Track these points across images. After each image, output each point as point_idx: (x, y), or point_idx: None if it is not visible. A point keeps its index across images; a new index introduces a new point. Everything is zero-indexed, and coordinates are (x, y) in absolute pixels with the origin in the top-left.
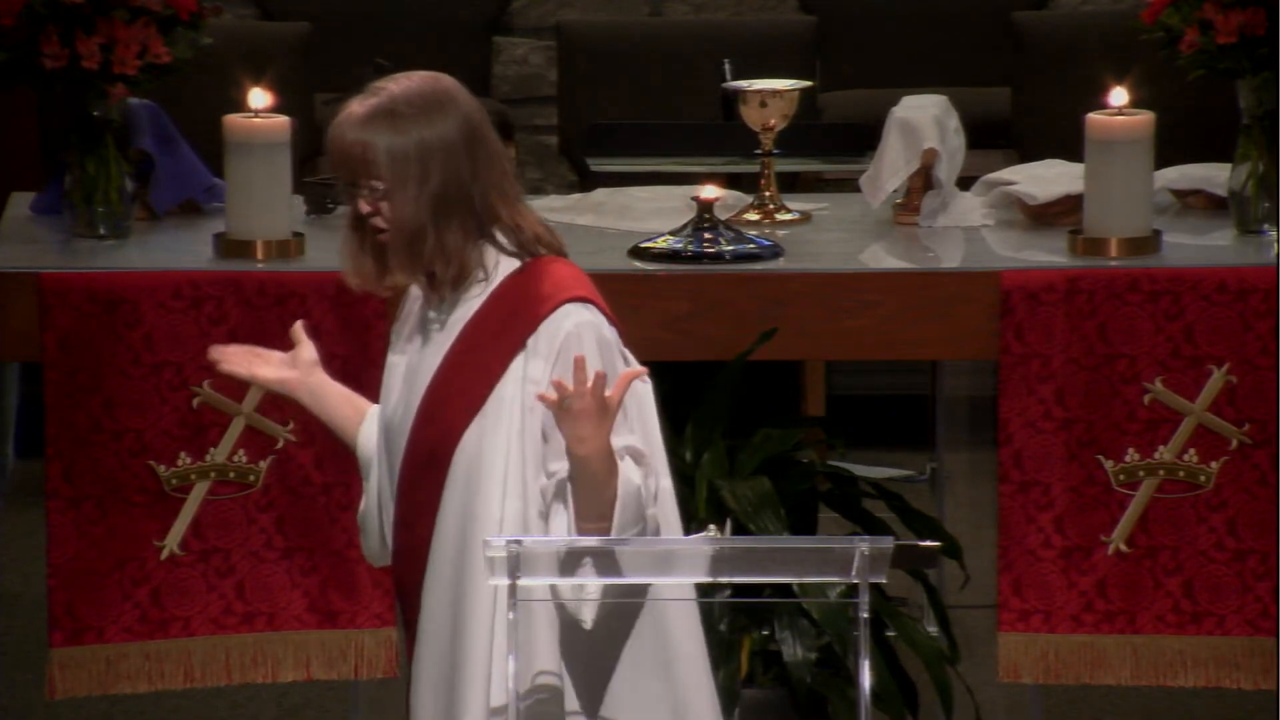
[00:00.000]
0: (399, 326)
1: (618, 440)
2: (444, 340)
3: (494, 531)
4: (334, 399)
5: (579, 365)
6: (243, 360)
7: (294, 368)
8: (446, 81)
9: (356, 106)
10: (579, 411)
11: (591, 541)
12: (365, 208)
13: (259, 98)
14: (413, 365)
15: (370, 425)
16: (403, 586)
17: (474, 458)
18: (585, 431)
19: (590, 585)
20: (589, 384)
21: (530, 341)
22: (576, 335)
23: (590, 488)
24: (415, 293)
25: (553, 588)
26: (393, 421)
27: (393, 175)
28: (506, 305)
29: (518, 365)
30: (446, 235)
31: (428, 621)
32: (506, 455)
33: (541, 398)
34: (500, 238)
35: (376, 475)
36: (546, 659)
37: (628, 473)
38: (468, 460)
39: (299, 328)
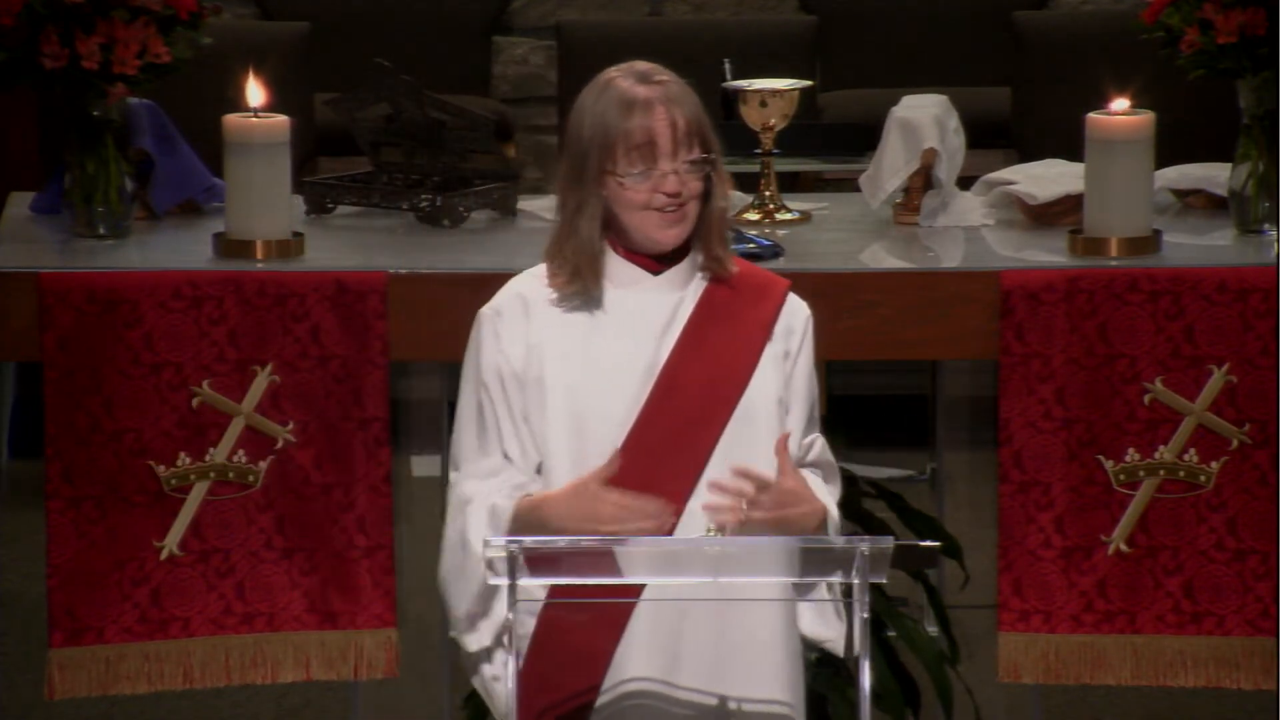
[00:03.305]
0: (526, 321)
1: (813, 452)
2: (655, 325)
3: None
4: None
5: (749, 474)
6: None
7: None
8: None
9: (673, 85)
10: (779, 499)
11: (591, 541)
12: (674, 186)
13: (255, 92)
14: (618, 355)
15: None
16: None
17: (742, 439)
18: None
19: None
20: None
21: (777, 328)
22: (809, 318)
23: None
24: (519, 290)
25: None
26: (588, 411)
27: (716, 148)
28: (728, 290)
29: (771, 350)
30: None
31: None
32: (773, 437)
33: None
34: None
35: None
36: (788, 690)
37: (829, 505)
38: (734, 440)
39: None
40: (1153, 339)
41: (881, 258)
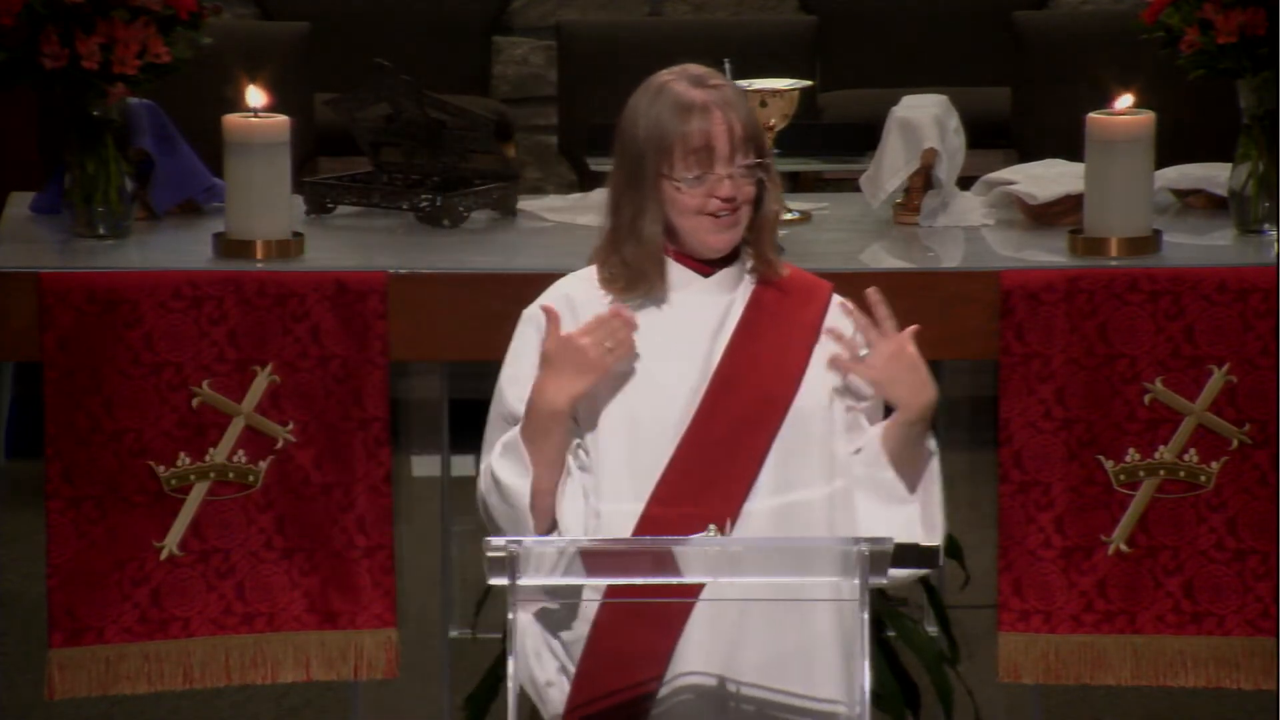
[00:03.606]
0: (573, 323)
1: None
2: (707, 328)
3: (821, 510)
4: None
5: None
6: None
7: None
8: None
9: (728, 89)
10: (892, 355)
11: (592, 541)
12: (729, 191)
13: (255, 95)
14: (670, 357)
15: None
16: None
17: (795, 439)
18: (906, 379)
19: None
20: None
21: (823, 330)
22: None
23: (915, 452)
24: (566, 291)
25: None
26: (641, 413)
27: (769, 153)
28: (776, 293)
29: (820, 353)
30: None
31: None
32: (826, 436)
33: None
34: None
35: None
36: (845, 690)
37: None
38: (788, 441)
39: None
40: (1153, 339)
41: (881, 258)
